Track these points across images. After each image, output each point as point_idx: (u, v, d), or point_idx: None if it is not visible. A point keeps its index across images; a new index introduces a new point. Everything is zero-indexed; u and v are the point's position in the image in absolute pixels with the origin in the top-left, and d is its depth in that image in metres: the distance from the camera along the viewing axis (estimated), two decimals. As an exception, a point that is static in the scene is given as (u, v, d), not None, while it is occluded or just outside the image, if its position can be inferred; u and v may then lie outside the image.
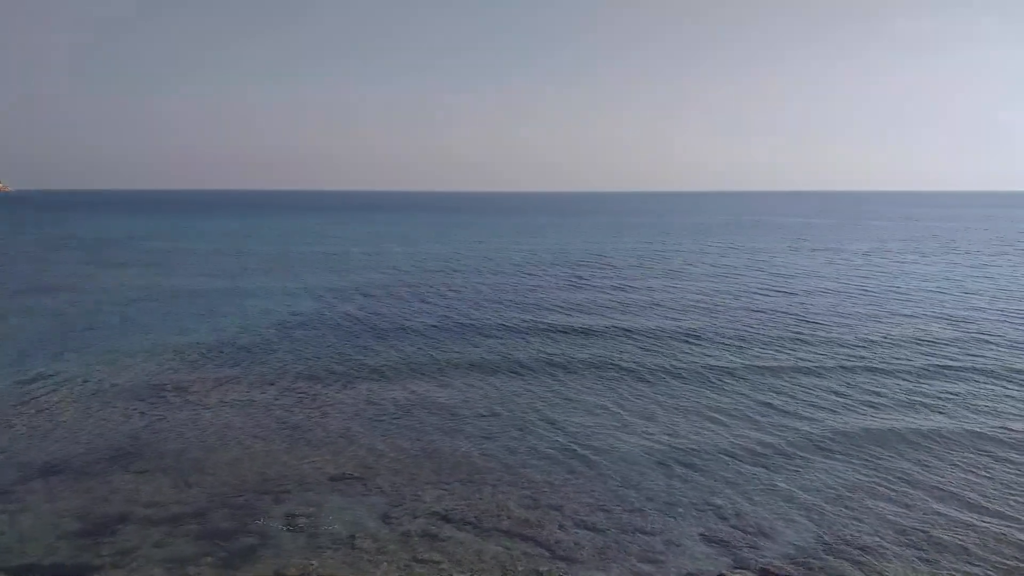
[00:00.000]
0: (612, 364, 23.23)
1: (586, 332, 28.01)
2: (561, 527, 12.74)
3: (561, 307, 33.61)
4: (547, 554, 11.83)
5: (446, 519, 12.96)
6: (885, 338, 26.82)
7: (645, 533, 12.54)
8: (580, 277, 44.87)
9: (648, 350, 25.08)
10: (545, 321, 30.16)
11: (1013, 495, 13.85)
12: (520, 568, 11.38)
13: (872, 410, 18.72)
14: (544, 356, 24.23)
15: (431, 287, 40.27)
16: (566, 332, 28.02)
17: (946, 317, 30.97)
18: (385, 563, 11.48)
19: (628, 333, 27.86)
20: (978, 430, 17.20)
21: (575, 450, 16.18)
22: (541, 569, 11.35)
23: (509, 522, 12.87)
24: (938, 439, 16.68)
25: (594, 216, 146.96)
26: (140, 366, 22.89)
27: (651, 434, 17.15)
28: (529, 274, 46.37)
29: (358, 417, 18.31)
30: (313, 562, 11.47)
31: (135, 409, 18.79)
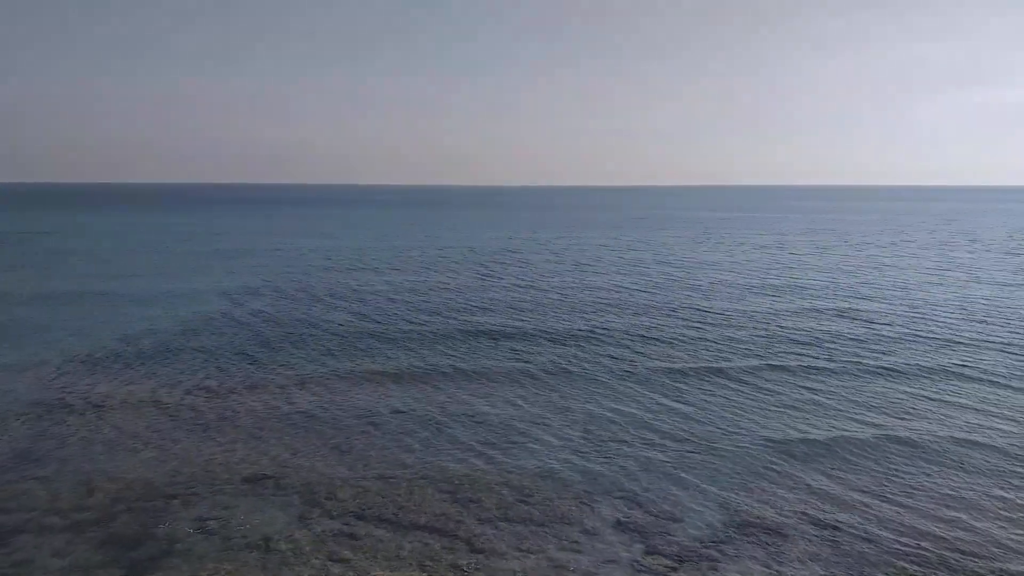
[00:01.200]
0: (526, 360, 23.40)
1: (497, 328, 28.12)
2: (480, 520, 12.78)
3: (472, 303, 33.63)
4: (466, 547, 11.86)
5: (363, 517, 12.83)
6: (785, 329, 27.91)
7: (563, 522, 12.72)
8: (492, 273, 44.97)
9: (561, 345, 25.39)
10: (457, 317, 30.15)
11: (912, 482, 14.63)
12: (439, 563, 11.36)
13: (774, 399, 19.46)
14: (458, 352, 24.23)
15: (344, 284, 39.67)
16: (478, 327, 28.08)
17: (838, 309, 32.47)
18: (301, 565, 11.27)
19: (540, 329, 28.09)
20: (878, 422, 18.10)
21: (493, 443, 16.26)
22: (461, 563, 11.37)
23: (427, 517, 12.83)
24: (839, 427, 17.48)
25: (519, 211, 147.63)
26: (38, 371, 21.77)
27: (566, 426, 17.38)
28: (443, 270, 46.24)
29: (270, 417, 17.90)
30: (225, 566, 11.17)
31: (33, 415, 17.86)
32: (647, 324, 28.48)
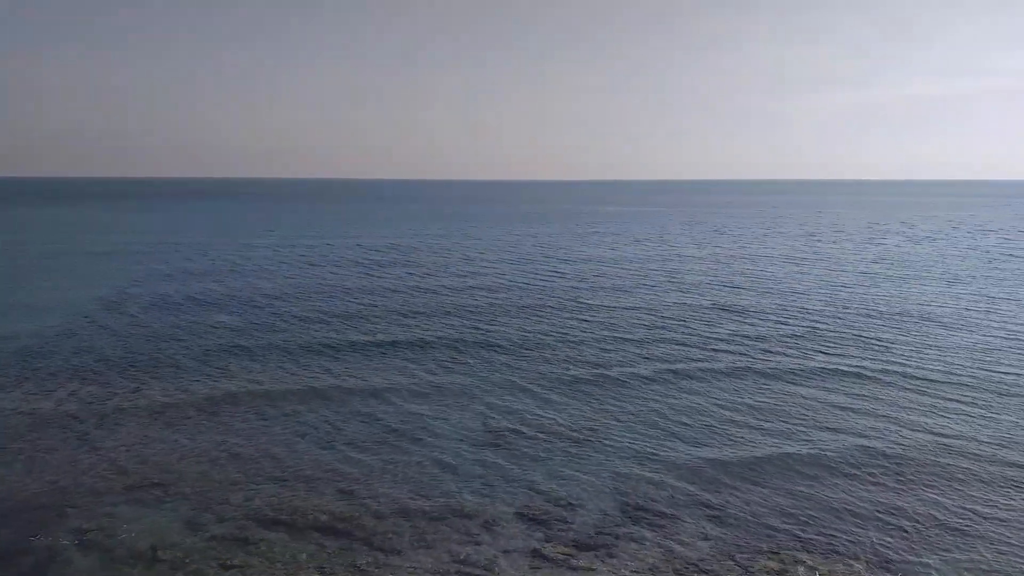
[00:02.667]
0: (421, 355, 23.31)
1: (390, 326, 27.89)
2: (378, 518, 12.67)
3: (362, 302, 33.21)
4: (365, 547, 11.73)
5: (256, 521, 12.48)
6: (667, 320, 28.95)
7: (462, 516, 12.77)
8: (380, 265, 44.55)
9: (456, 339, 25.40)
10: (347, 313, 29.72)
11: (787, 463, 15.46)
12: (337, 564, 11.20)
13: (661, 388, 20.15)
14: (352, 350, 23.88)
15: (230, 282, 38.33)
16: (368, 327, 27.76)
17: (713, 299, 33.95)
18: (191, 573, 10.87)
19: (433, 324, 28.04)
20: (756, 406, 19.04)
21: (389, 441, 16.12)
22: (359, 562, 11.24)
23: (325, 518, 12.61)
24: (720, 415, 18.29)
25: (411, 204, 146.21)
26: None
27: (465, 421, 17.43)
28: (324, 268, 45.39)
29: (155, 421, 17.13)
30: (109, 578, 10.64)
31: None
32: (539, 319, 28.86)
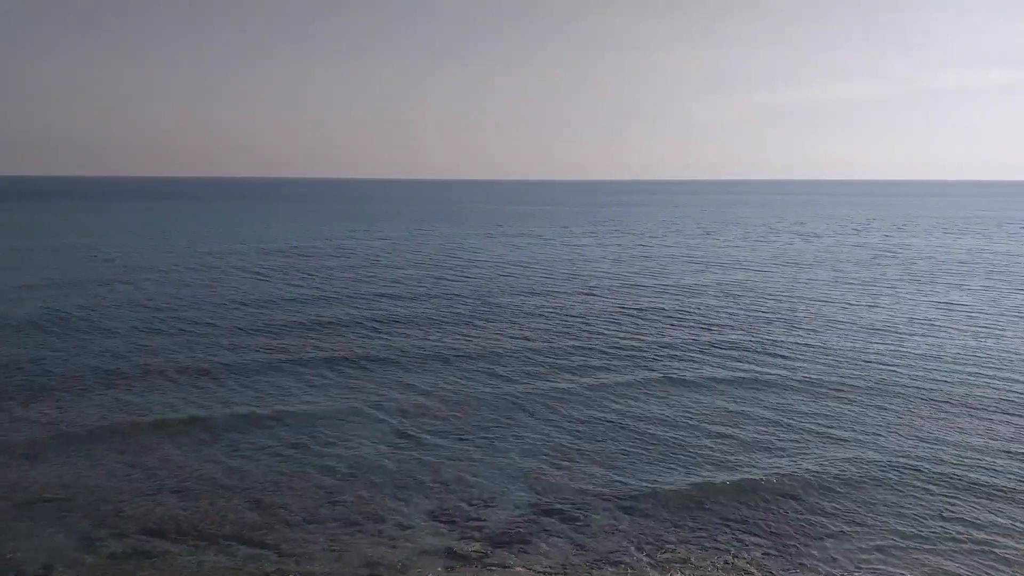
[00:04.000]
0: (329, 354, 22.91)
1: (297, 322, 27.32)
2: (288, 524, 12.41)
3: (268, 298, 32.41)
4: (274, 554, 11.47)
5: (159, 534, 12.01)
6: (571, 317, 29.45)
7: (375, 519, 12.64)
8: (274, 268, 43.57)
9: (365, 337, 25.10)
10: (250, 312, 28.92)
11: (693, 453, 15.97)
12: (244, 572, 10.91)
13: (575, 384, 20.46)
14: (257, 352, 23.25)
15: (123, 285, 36.67)
16: (274, 322, 27.11)
17: (613, 297, 34.78)
18: (89, 590, 10.38)
19: (341, 322, 27.63)
20: (661, 396, 19.57)
21: (299, 444, 15.80)
22: (268, 570, 10.97)
23: (231, 527, 12.27)
24: (629, 407, 18.72)
25: (332, 203, 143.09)
26: None
27: (377, 421, 17.25)
28: (227, 268, 44.07)
29: (47, 432, 16.23)
30: (-2, 602, 10.05)
31: None
32: (443, 321, 28.73)
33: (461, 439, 16.19)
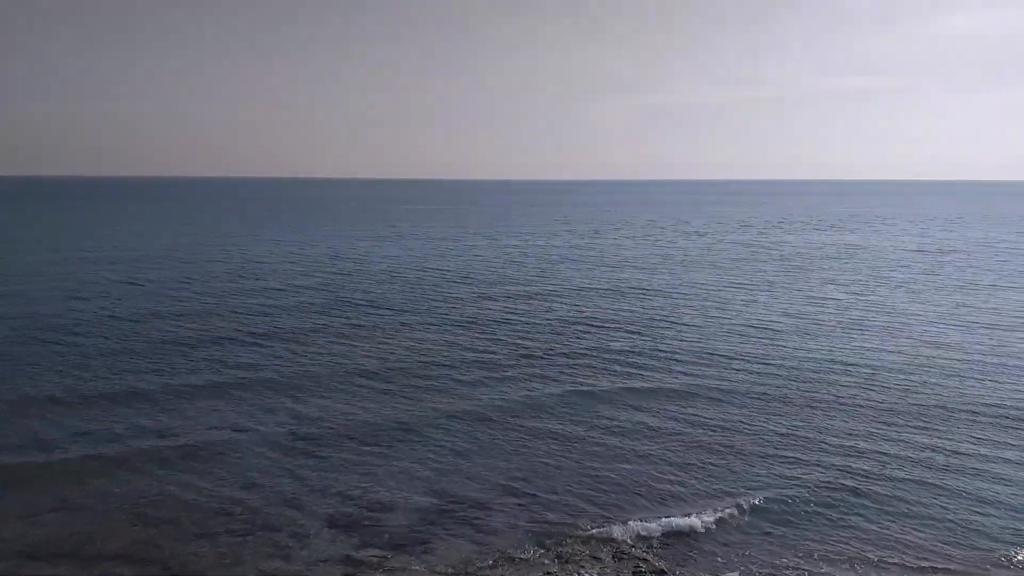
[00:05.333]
0: (218, 367, 22.14)
1: (182, 337, 26.23)
2: (178, 540, 11.94)
3: (151, 311, 30.97)
4: (161, 571, 11.04)
5: (37, 557, 11.34)
6: (467, 317, 29.59)
7: (269, 529, 12.33)
8: (150, 278, 41.72)
9: (251, 348, 24.33)
10: (136, 327, 27.58)
11: (588, 449, 16.34)
12: (134, 592, 10.46)
13: (467, 386, 20.55)
14: (138, 364, 22.19)
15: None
16: (158, 337, 25.93)
17: (505, 293, 35.19)
18: (-42, 622, 9.70)
19: (225, 333, 26.61)
20: (558, 394, 19.92)
21: (190, 457, 15.19)
22: (157, 588, 10.56)
23: (116, 546, 11.70)
24: (526, 405, 18.98)
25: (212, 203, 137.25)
26: None
27: (270, 431, 16.77)
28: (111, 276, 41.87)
29: (-98, 456, 15.01)
30: None
31: None
32: (332, 324, 28.27)
33: (357, 446, 15.95)
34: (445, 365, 22.06)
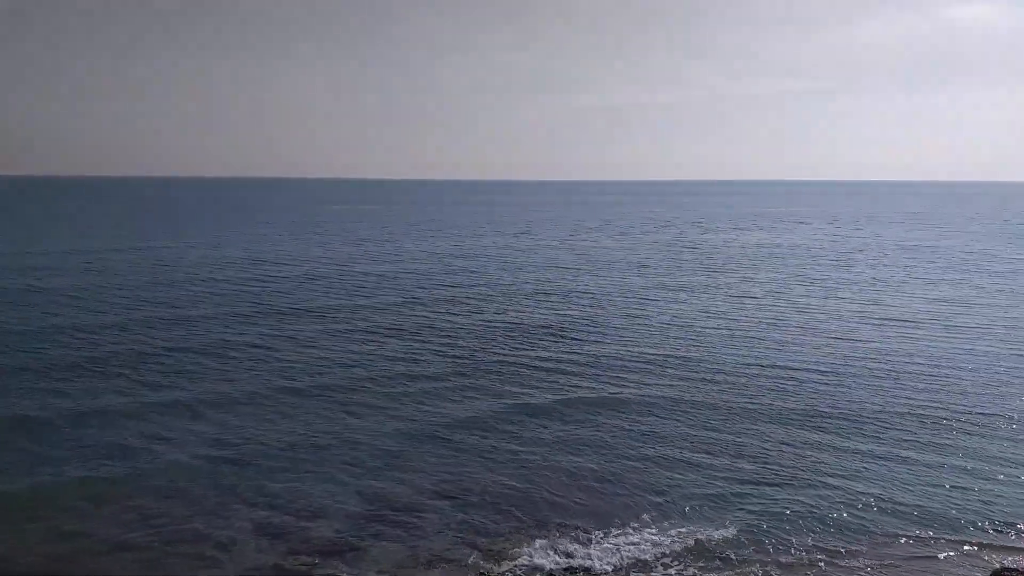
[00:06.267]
0: (135, 363, 21.45)
1: (93, 332, 25.29)
2: (97, 553, 11.55)
3: (61, 311, 29.77)
4: (82, 586, 10.68)
5: (-58, 577, 10.81)
6: (388, 319, 29.45)
7: (194, 539, 12.03)
8: (40, 287, 40.15)
9: (167, 343, 23.67)
10: (30, 323, 26.46)
11: (519, 457, 16.48)
12: (49, 610, 10.08)
13: (397, 390, 20.45)
14: (45, 364, 21.30)
15: None
16: (69, 333, 24.92)
17: (431, 296, 35.19)
18: None
19: (143, 332, 25.81)
20: (487, 400, 20.02)
21: (107, 464, 14.67)
22: (75, 605, 10.20)
23: (28, 559, 11.27)
24: (451, 413, 19.00)
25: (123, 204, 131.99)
26: None
27: (193, 436, 16.32)
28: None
29: None
30: None
31: None
32: (263, 321, 27.84)
33: (284, 453, 15.63)
34: (371, 372, 21.64)
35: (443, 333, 26.67)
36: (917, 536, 12.45)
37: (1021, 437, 16.62)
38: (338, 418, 17.70)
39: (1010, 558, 11.59)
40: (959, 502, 13.60)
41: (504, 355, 23.51)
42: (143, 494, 13.59)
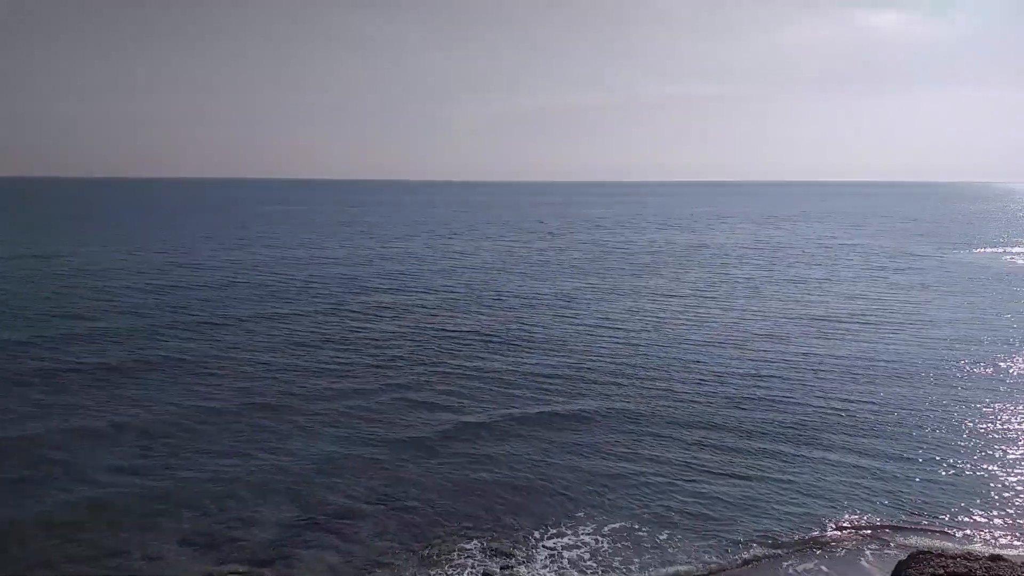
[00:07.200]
0: (51, 368, 20.62)
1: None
2: (13, 572, 11.07)
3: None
4: (-1, 606, 10.22)
5: None
6: (312, 320, 29.04)
7: (118, 554, 11.63)
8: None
9: (88, 348, 22.86)
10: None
11: (454, 462, 16.45)
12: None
13: (331, 393, 20.21)
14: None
15: None
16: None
17: (354, 297, 34.87)
18: None
19: (61, 334, 24.89)
20: (421, 401, 19.92)
21: (23, 476, 14.08)
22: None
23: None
24: (392, 417, 18.87)
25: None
26: None
27: (119, 445, 15.77)
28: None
29: None
30: None
31: None
32: (183, 325, 27.10)
33: (213, 458, 15.29)
34: (298, 381, 21.23)
35: (370, 339, 26.23)
36: (838, 523, 12.93)
37: (933, 427, 17.45)
38: (266, 426, 17.30)
39: (927, 541, 12.16)
40: (877, 489, 14.20)
41: (434, 361, 23.24)
42: (64, 508, 13.08)
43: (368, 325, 28.55)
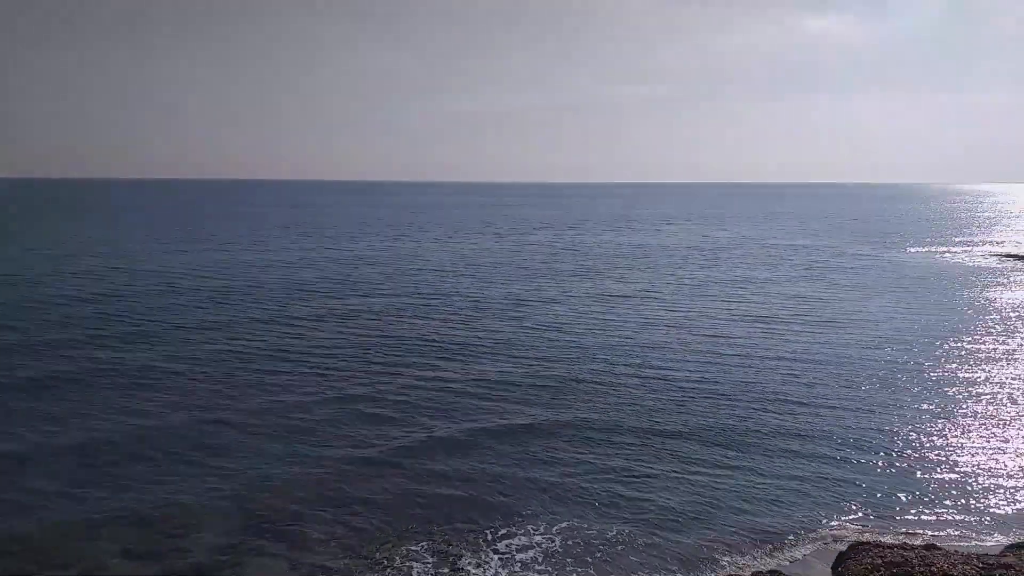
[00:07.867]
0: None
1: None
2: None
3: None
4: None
5: None
6: (261, 333, 28.61)
7: (56, 566, 11.29)
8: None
9: (28, 357, 22.10)
10: None
11: (390, 459, 16.36)
12: None
13: (270, 391, 19.93)
14: None
15: None
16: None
17: (289, 301, 34.46)
18: None
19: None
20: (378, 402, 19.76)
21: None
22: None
23: None
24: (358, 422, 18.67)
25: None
26: None
27: (55, 455, 15.26)
28: None
29: None
30: None
31: None
32: (113, 330, 26.41)
33: (154, 465, 14.91)
34: (242, 388, 20.85)
35: (313, 347, 25.53)
36: (780, 520, 13.24)
37: (869, 423, 17.99)
38: (209, 432, 16.93)
39: (866, 534, 12.54)
40: (818, 484, 14.59)
41: (380, 371, 22.71)
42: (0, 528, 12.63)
43: (312, 332, 27.85)
